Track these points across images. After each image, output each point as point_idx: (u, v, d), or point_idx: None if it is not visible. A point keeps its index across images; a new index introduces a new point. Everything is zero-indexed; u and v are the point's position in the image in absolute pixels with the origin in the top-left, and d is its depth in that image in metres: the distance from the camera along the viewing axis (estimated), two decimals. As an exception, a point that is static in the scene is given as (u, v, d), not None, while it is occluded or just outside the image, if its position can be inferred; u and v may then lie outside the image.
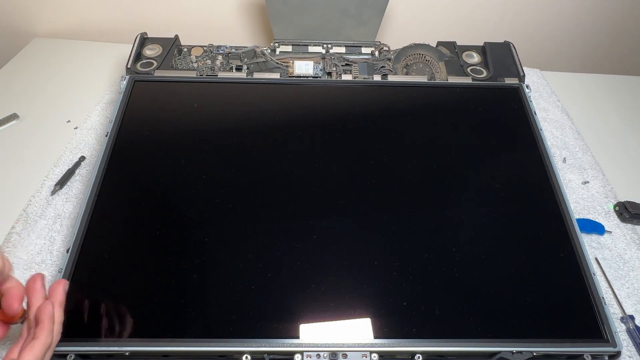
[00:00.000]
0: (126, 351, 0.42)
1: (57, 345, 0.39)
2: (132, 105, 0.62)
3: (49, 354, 0.36)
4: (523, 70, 0.70)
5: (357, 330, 0.44)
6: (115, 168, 0.55)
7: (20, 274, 0.51)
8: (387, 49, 0.74)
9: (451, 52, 0.74)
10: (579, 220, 0.58)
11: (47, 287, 0.40)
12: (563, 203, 0.54)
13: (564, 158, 0.69)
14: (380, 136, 0.61)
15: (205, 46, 0.72)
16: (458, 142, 0.61)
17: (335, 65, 0.70)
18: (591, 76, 0.88)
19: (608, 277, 0.55)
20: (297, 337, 0.43)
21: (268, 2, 0.70)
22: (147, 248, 0.50)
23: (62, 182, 0.61)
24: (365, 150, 0.59)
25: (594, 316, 0.46)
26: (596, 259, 0.57)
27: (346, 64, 0.71)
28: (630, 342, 0.50)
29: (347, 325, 0.45)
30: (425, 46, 0.74)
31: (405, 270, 0.48)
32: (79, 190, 0.61)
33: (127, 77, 0.65)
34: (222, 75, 0.68)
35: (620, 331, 0.50)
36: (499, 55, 0.73)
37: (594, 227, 0.59)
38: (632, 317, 0.51)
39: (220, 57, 0.71)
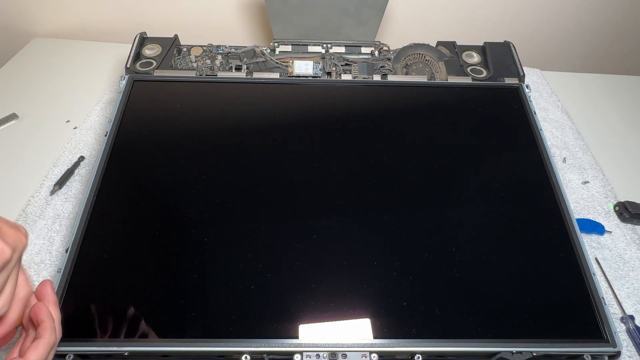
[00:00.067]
0: (125, 351, 0.42)
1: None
2: (132, 105, 0.62)
3: (52, 353, 0.36)
4: (523, 70, 0.70)
5: (357, 331, 0.44)
6: (114, 168, 0.55)
7: (20, 274, 0.51)
8: (386, 48, 0.74)
9: (451, 52, 0.74)
10: (579, 220, 0.58)
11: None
12: (563, 203, 0.54)
13: (564, 158, 0.69)
14: (380, 136, 0.61)
15: (205, 46, 0.72)
16: (458, 142, 0.61)
17: (335, 65, 0.70)
18: (591, 76, 0.88)
19: (608, 277, 0.55)
20: (297, 337, 0.43)
21: (268, 2, 0.70)
22: (147, 248, 0.49)
23: (61, 182, 0.60)
24: (365, 150, 0.59)
25: (593, 316, 0.46)
26: (596, 259, 0.57)
27: (346, 64, 0.71)
28: (630, 342, 0.50)
29: (347, 325, 0.44)
30: (425, 46, 0.74)
31: (405, 270, 0.48)
32: (78, 190, 0.61)
33: (127, 76, 0.65)
34: (222, 75, 0.67)
35: (620, 331, 0.50)
36: (499, 55, 0.73)
37: (594, 227, 0.59)
38: (632, 317, 0.51)
39: (219, 57, 0.71)
